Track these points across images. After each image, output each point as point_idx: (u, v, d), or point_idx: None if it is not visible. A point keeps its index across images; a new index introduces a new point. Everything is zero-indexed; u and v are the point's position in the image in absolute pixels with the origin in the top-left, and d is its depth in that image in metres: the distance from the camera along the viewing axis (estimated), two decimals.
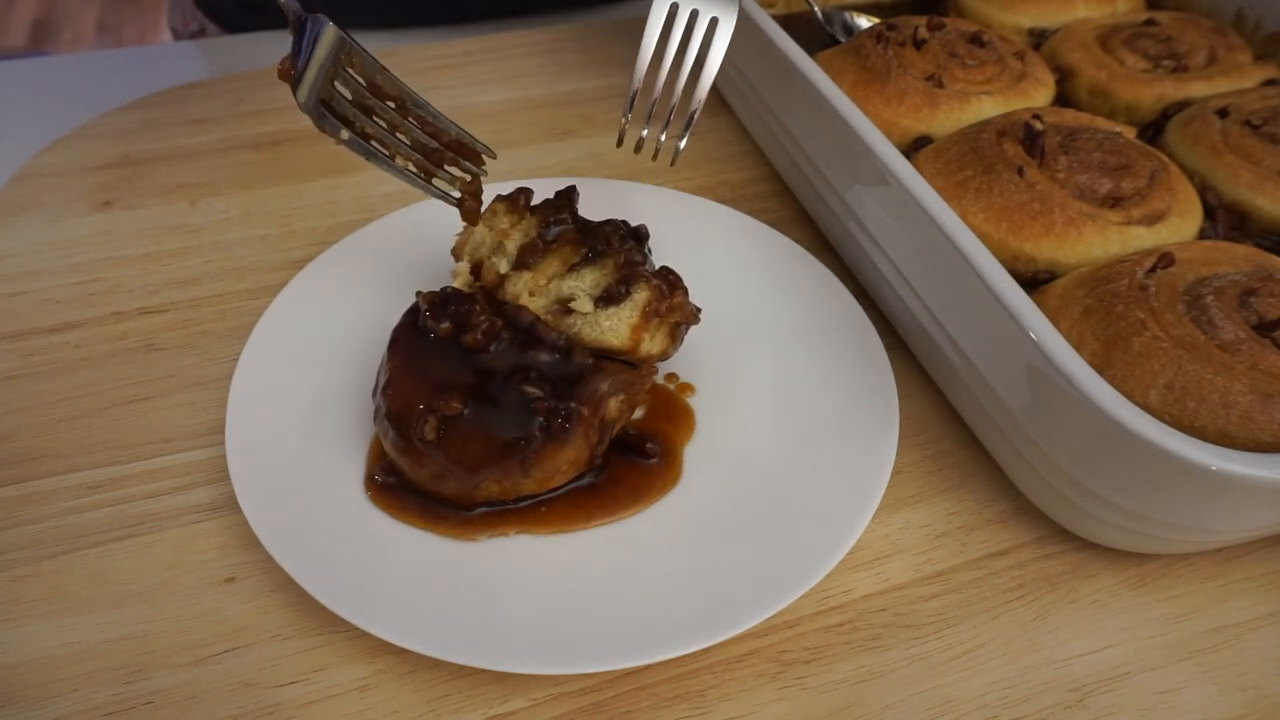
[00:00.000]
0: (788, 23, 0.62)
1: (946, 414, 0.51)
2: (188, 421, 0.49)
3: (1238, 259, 0.46)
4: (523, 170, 0.66)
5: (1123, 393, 0.37)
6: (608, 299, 0.44)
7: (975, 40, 0.61)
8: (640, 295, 0.44)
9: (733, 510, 0.44)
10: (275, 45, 0.81)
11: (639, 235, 0.47)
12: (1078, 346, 0.41)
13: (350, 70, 0.44)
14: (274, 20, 0.84)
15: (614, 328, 0.44)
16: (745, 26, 0.60)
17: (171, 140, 0.67)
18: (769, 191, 0.66)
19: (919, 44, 0.60)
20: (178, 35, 0.99)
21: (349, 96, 0.45)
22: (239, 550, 0.44)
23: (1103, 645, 0.42)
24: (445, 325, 0.44)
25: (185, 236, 0.60)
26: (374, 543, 0.42)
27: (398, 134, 0.46)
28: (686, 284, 0.46)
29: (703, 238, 0.58)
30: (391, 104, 0.45)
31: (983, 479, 0.48)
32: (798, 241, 0.57)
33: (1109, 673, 0.41)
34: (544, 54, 0.79)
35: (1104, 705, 0.40)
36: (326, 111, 0.44)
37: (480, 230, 0.48)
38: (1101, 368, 0.41)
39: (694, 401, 0.49)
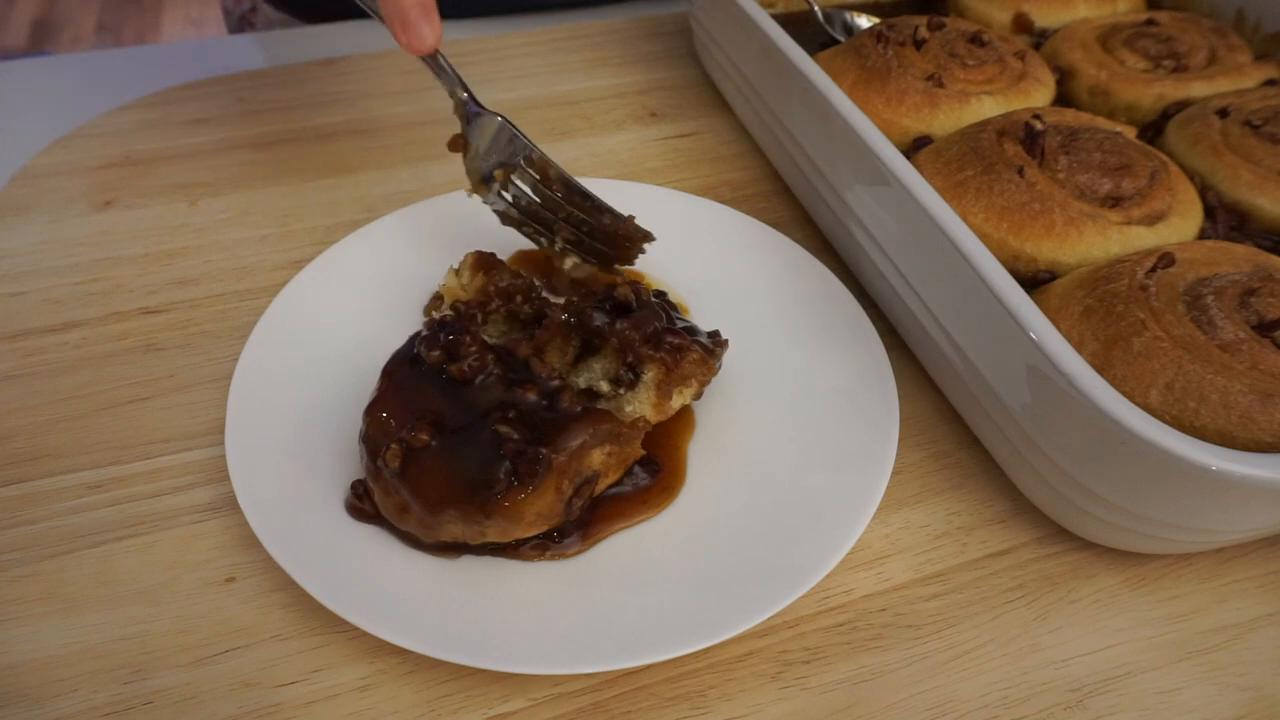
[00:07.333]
0: (788, 23, 0.62)
1: (946, 414, 0.51)
2: (188, 421, 0.49)
3: (1238, 259, 0.46)
4: None
5: (1123, 393, 0.37)
6: (620, 383, 0.44)
7: (975, 40, 0.61)
8: (649, 376, 0.44)
9: (732, 511, 0.44)
10: (278, 46, 0.81)
11: (635, 301, 0.46)
12: (1078, 346, 0.41)
13: (522, 164, 0.50)
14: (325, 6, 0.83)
15: (638, 410, 0.44)
16: (745, 26, 0.61)
17: (171, 140, 0.67)
18: (769, 191, 0.66)
19: (919, 44, 0.60)
20: (229, 13, 0.97)
21: (518, 184, 0.51)
22: (239, 550, 0.44)
23: (1103, 645, 0.42)
24: (436, 353, 0.43)
25: (185, 236, 0.60)
26: (374, 543, 0.42)
27: (559, 215, 0.51)
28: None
29: (703, 238, 0.58)
30: (557, 192, 0.50)
31: (983, 479, 0.48)
32: (798, 241, 0.57)
33: (1109, 673, 0.41)
34: (544, 54, 0.79)
35: (1104, 705, 0.40)
36: (493, 184, 0.51)
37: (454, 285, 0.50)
38: (1102, 368, 0.41)
39: (694, 402, 0.49)
